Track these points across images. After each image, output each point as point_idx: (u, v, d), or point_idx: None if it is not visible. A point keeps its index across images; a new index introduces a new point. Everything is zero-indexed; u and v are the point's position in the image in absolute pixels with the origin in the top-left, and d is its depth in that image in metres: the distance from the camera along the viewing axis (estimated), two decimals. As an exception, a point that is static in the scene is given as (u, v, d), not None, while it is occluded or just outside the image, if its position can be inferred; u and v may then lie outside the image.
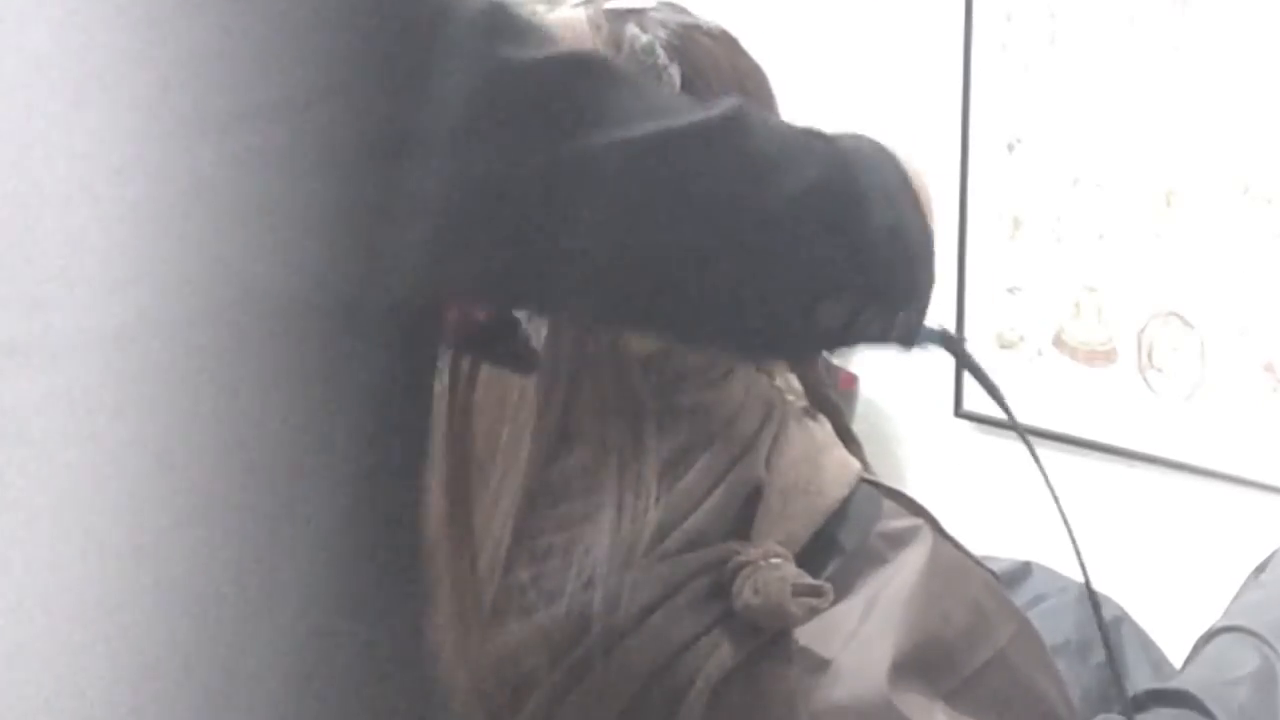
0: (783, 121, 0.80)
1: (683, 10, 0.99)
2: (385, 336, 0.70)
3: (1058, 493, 0.88)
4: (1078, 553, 0.88)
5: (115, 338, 0.63)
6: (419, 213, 0.65)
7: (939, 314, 0.90)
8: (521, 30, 0.69)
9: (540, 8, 0.98)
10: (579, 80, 0.69)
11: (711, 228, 0.74)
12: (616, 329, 0.90)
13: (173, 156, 0.62)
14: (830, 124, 0.83)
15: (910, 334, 0.83)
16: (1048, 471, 0.89)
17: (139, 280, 0.63)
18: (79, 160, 0.62)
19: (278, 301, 0.66)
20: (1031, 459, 0.89)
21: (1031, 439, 0.92)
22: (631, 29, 0.95)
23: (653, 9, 0.98)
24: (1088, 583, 0.90)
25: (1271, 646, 1.12)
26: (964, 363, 0.87)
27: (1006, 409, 0.89)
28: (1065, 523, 0.88)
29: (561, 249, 0.70)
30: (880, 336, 0.81)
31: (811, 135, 0.80)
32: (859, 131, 0.84)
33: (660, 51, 0.94)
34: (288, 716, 0.72)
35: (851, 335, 0.80)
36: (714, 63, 0.96)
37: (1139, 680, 1.28)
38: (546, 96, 0.68)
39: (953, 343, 0.88)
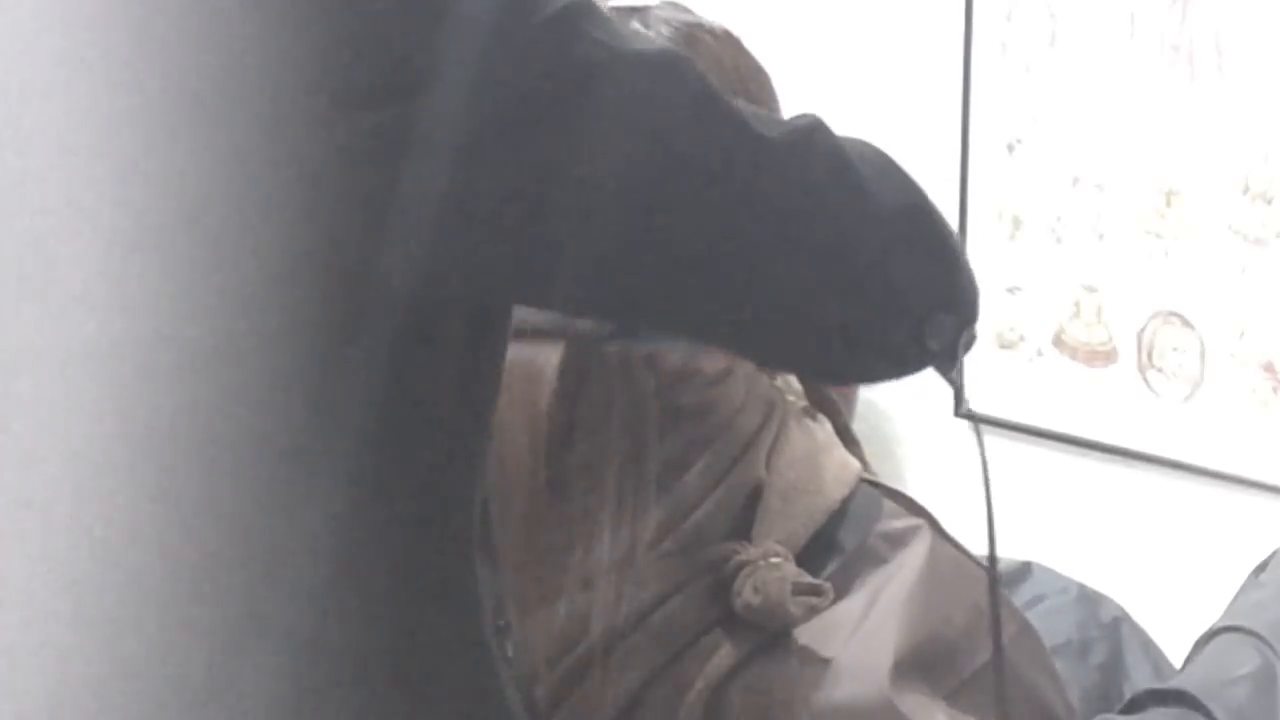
0: (856, 139, 0.77)
1: (686, 9, 0.99)
2: (440, 330, 0.69)
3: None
4: (991, 526, 0.87)
5: (124, 340, 0.63)
6: (493, 202, 0.64)
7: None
8: (607, 19, 0.67)
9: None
10: (675, 75, 0.67)
11: (819, 236, 0.71)
12: (709, 343, 0.86)
13: (185, 155, 0.62)
14: (830, 123, 0.82)
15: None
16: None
17: (146, 284, 0.63)
18: (76, 157, 0.61)
19: (317, 292, 0.66)
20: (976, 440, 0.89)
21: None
22: (635, 26, 0.95)
23: (656, 7, 0.98)
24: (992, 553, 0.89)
25: (1271, 646, 1.12)
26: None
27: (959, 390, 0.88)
28: (987, 494, 0.87)
29: (654, 252, 0.68)
30: (957, 355, 0.79)
31: (881, 153, 0.78)
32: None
33: None
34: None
35: (951, 359, 0.78)
36: (717, 62, 0.96)
37: (1139, 680, 1.28)
38: (633, 88, 0.66)
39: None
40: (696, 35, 0.97)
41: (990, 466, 0.87)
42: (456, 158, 0.63)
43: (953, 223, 2.49)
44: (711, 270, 0.69)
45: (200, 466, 0.65)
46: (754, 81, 0.98)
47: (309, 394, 0.68)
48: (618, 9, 0.96)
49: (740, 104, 0.70)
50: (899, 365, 0.79)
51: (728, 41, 0.98)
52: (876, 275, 0.73)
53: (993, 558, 0.88)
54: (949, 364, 0.78)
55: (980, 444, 0.89)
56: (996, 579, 0.89)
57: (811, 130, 0.72)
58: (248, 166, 0.62)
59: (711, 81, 0.69)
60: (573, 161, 0.64)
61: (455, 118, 0.63)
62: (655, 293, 0.70)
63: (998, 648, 0.89)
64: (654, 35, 0.94)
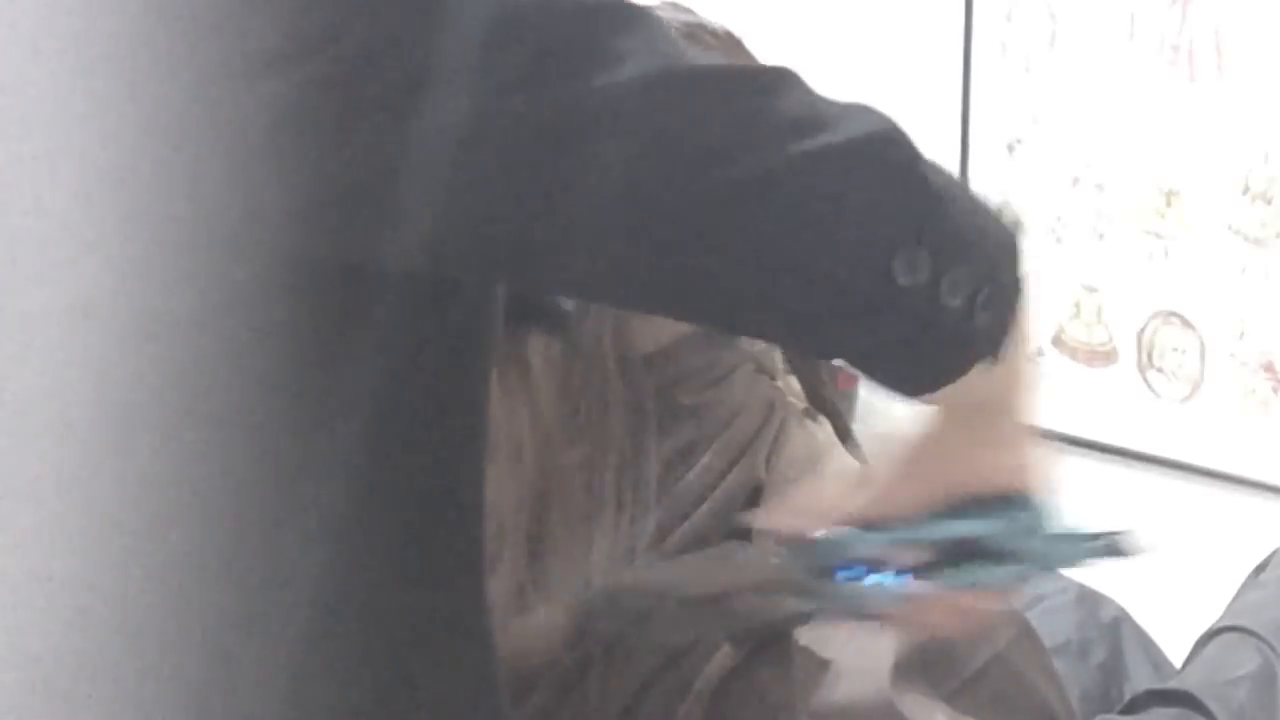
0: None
1: (687, 10, 0.99)
2: (404, 307, 0.69)
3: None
4: None
5: (116, 313, 0.63)
6: (435, 162, 0.63)
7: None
8: None
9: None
10: (632, 23, 0.67)
11: (772, 174, 0.67)
12: (676, 307, 0.79)
13: (165, 116, 0.61)
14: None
15: (1008, 315, 0.71)
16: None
17: (134, 257, 0.62)
18: (62, 127, 0.61)
19: (287, 267, 0.66)
20: None
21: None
22: None
23: (657, 6, 0.98)
24: None
25: (1271, 646, 1.12)
26: None
27: None
28: None
29: (599, 197, 0.66)
30: (975, 312, 0.70)
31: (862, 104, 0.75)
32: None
33: None
34: (286, 714, 0.72)
35: (936, 301, 0.69)
36: None
37: (1139, 680, 1.28)
38: (605, 26, 0.65)
39: None
40: (698, 35, 0.97)
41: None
42: (405, 107, 0.62)
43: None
44: (659, 216, 0.66)
45: (188, 459, 0.65)
46: None
47: (299, 389, 0.68)
48: None
49: (699, 57, 0.69)
50: (874, 312, 0.69)
51: (729, 42, 0.99)
52: (829, 207, 0.67)
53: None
54: (934, 307, 0.68)
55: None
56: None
57: (768, 69, 0.70)
58: (241, 158, 0.62)
59: (662, 25, 0.68)
60: (519, 110, 0.64)
61: (397, 68, 0.62)
62: (631, 267, 0.68)
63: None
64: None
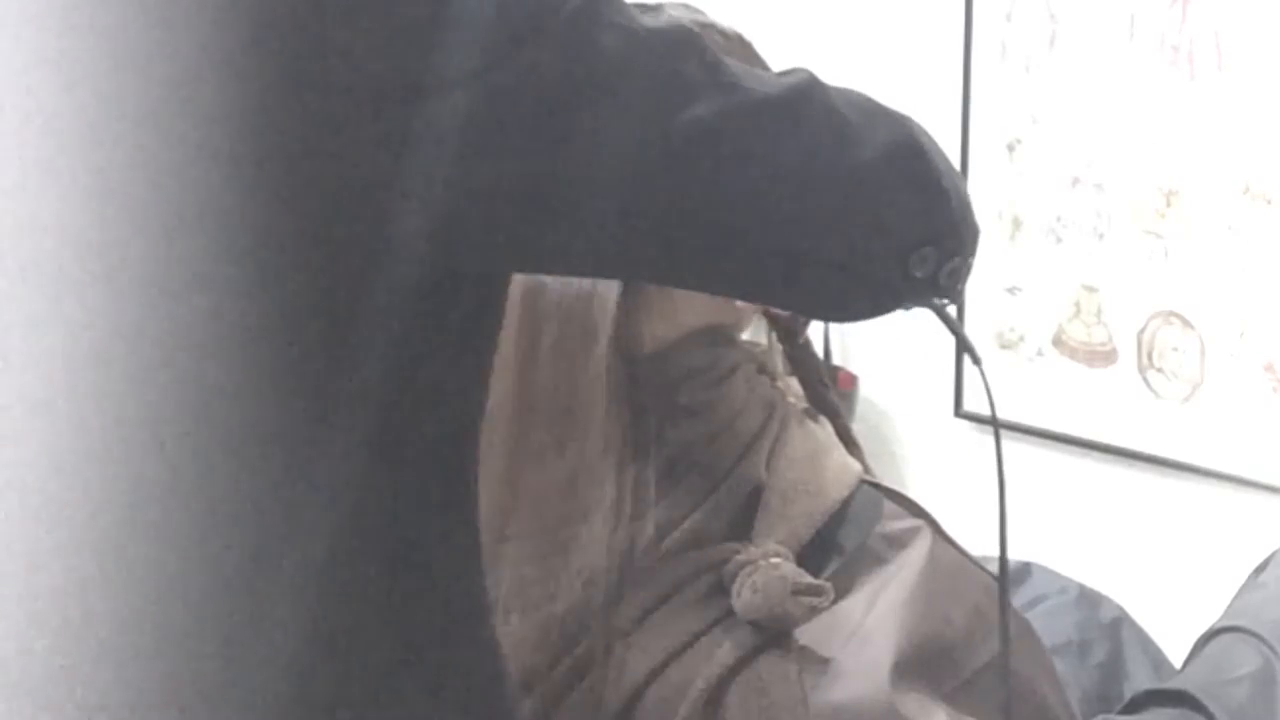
0: (846, 88, 0.83)
1: (698, 10, 1.00)
2: (411, 298, 0.71)
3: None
4: (1003, 532, 0.89)
5: (117, 314, 0.63)
6: (446, 160, 0.67)
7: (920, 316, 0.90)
8: (625, 8, 0.72)
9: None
10: (686, 48, 0.73)
11: (812, 185, 0.77)
12: (718, 290, 0.90)
13: (175, 119, 0.62)
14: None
15: (964, 286, 0.86)
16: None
17: (133, 261, 0.63)
18: (58, 131, 0.61)
19: (295, 257, 0.67)
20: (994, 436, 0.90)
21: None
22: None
23: (670, 5, 0.99)
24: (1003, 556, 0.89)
25: (1271, 646, 1.12)
26: (943, 319, 0.88)
27: (977, 359, 0.90)
28: (1001, 502, 0.89)
29: (676, 211, 0.73)
30: (954, 289, 0.84)
31: (871, 99, 0.84)
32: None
33: None
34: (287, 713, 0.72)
35: (936, 288, 0.82)
36: None
37: (1139, 680, 1.28)
38: (661, 58, 0.71)
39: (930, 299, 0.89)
40: (710, 35, 0.97)
41: (995, 469, 0.88)
42: (487, 146, 0.67)
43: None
44: (712, 220, 0.75)
45: (193, 456, 0.65)
46: None
47: (301, 385, 0.69)
48: (633, 5, 0.97)
49: (737, 66, 0.76)
50: (889, 296, 0.83)
51: (738, 43, 0.99)
52: (864, 215, 0.79)
53: (1004, 561, 0.88)
54: (933, 292, 0.83)
55: (998, 448, 0.89)
56: (1006, 585, 0.89)
57: (804, 85, 0.78)
58: (250, 163, 0.63)
59: (712, 48, 0.75)
60: (600, 134, 0.70)
61: (483, 111, 0.67)
62: (660, 246, 0.75)
63: (1005, 650, 0.89)
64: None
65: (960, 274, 0.84)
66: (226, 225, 0.64)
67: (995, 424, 0.90)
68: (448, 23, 0.66)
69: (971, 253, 0.85)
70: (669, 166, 0.72)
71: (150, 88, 0.62)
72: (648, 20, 0.72)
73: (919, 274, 0.81)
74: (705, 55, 0.74)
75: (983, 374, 0.90)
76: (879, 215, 0.79)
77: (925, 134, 0.84)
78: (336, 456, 0.71)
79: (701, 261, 0.78)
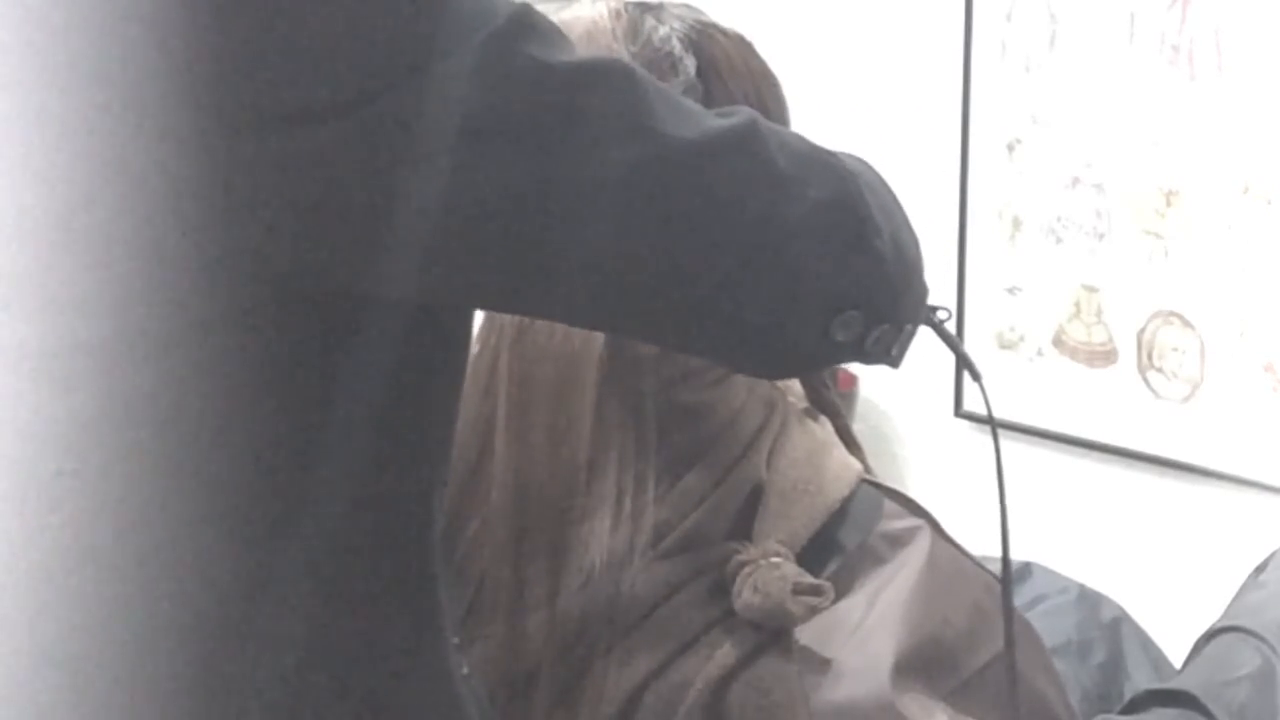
0: (792, 132, 0.79)
1: (698, 10, 1.00)
2: (392, 329, 0.70)
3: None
4: (1004, 532, 0.89)
5: (111, 341, 0.63)
6: (427, 214, 0.65)
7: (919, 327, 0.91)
8: (548, 34, 0.69)
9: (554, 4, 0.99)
10: (601, 86, 0.69)
11: (728, 241, 0.73)
12: (624, 335, 0.90)
13: (191, 157, 0.61)
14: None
15: (904, 350, 0.83)
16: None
17: (122, 283, 0.62)
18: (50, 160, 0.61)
19: (272, 295, 0.66)
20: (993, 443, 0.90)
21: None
22: (650, 20, 0.96)
23: (670, 5, 0.99)
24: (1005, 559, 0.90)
25: (1271, 646, 1.12)
26: (941, 335, 0.87)
27: (975, 373, 0.89)
28: (1001, 501, 0.89)
29: (570, 259, 0.70)
30: (886, 355, 0.81)
31: (820, 148, 0.79)
32: (844, 148, 0.84)
33: (676, 43, 0.95)
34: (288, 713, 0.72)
35: (863, 353, 0.79)
36: (728, 60, 0.97)
37: (1139, 680, 1.28)
38: (568, 101, 0.68)
39: (927, 313, 0.88)
40: (711, 34, 0.97)
41: (996, 470, 0.88)
42: (392, 172, 0.64)
43: (952, 223, 2.50)
44: (606, 271, 0.71)
45: (176, 477, 0.65)
46: (764, 83, 0.98)
47: (285, 407, 0.69)
48: (632, 4, 0.97)
49: (666, 101, 0.72)
50: (808, 360, 0.82)
51: (740, 43, 0.99)
52: (781, 275, 0.75)
53: (1006, 562, 0.88)
54: (859, 357, 0.80)
55: (997, 449, 0.89)
56: (1009, 586, 0.89)
57: (736, 132, 0.73)
58: (179, 179, 0.62)
59: (638, 85, 0.70)
60: (489, 177, 0.66)
61: (395, 134, 0.64)
62: (564, 291, 0.72)
63: (1010, 651, 0.89)
64: (658, 35, 0.95)
65: (891, 340, 0.80)
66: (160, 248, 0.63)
67: (995, 437, 0.90)
68: (344, 45, 0.63)
69: (910, 318, 0.82)
70: (561, 214, 0.68)
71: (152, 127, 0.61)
72: (570, 54, 0.69)
73: (841, 338, 0.77)
74: (630, 94, 0.70)
75: (983, 389, 0.90)
76: (797, 276, 0.75)
77: (873, 189, 0.80)
78: (319, 498, 0.70)
79: (597, 312, 0.75)
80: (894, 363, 0.82)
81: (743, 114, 0.75)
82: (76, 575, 0.64)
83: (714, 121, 0.73)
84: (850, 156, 0.83)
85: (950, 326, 0.88)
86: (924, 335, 0.87)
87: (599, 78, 0.69)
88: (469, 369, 0.95)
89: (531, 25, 0.68)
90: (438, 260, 0.67)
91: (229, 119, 0.62)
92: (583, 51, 0.71)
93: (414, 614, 0.79)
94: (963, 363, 0.91)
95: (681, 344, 0.84)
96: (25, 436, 0.62)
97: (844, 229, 0.76)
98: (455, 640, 0.83)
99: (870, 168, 0.84)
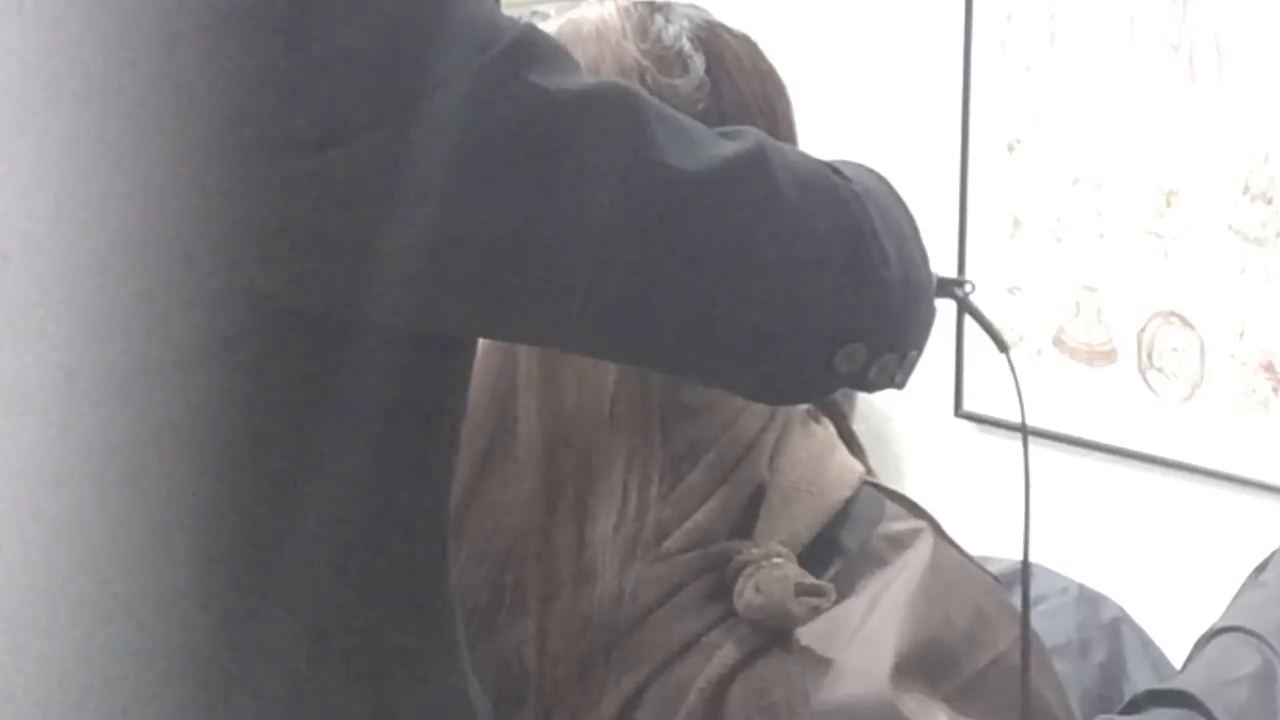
0: (799, 153, 0.78)
1: (704, 11, 1.00)
2: (387, 349, 0.70)
3: (1032, 482, 0.88)
4: (1026, 536, 0.89)
5: (90, 367, 0.63)
6: (424, 243, 0.64)
7: (938, 310, 0.91)
8: (550, 57, 0.67)
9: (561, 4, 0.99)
10: (603, 116, 0.67)
11: (731, 276, 0.72)
12: (623, 363, 0.89)
13: (184, 184, 0.61)
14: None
15: (908, 376, 0.83)
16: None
17: (107, 313, 0.62)
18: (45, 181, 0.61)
19: (268, 314, 0.66)
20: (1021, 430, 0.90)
21: (1032, 439, 0.92)
22: (659, 19, 0.96)
23: (678, 5, 0.99)
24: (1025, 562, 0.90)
25: (1271, 646, 1.12)
26: (967, 309, 0.87)
27: (1004, 347, 0.89)
28: (1026, 506, 0.89)
29: (570, 291, 0.69)
30: (889, 382, 0.81)
31: (827, 172, 0.78)
32: (859, 161, 0.83)
33: (686, 41, 0.95)
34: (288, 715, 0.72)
35: (866, 382, 0.79)
36: (736, 59, 0.97)
37: (1139, 680, 1.28)
38: (568, 132, 0.66)
39: (953, 289, 0.88)
40: (718, 34, 0.98)
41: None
42: (389, 200, 0.63)
43: (952, 223, 2.51)
44: (616, 302, 0.70)
45: (161, 506, 0.65)
46: (770, 84, 0.98)
47: (280, 432, 0.68)
48: (641, 3, 0.97)
49: (669, 127, 0.70)
50: (812, 390, 0.81)
51: (746, 44, 0.99)
52: (786, 310, 0.74)
53: (1026, 564, 0.88)
54: (862, 387, 0.80)
55: (1025, 456, 0.90)
56: (1028, 590, 0.89)
57: (744, 160, 0.72)
58: (175, 207, 0.62)
59: (640, 113, 0.69)
60: (496, 199, 0.65)
61: (392, 162, 0.63)
62: (565, 321, 0.71)
63: (1025, 659, 0.89)
64: (672, 34, 0.95)
65: (893, 369, 0.80)
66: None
67: (1023, 414, 0.90)
68: (342, 72, 0.62)
69: (915, 346, 0.81)
70: (561, 245, 0.67)
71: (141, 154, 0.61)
72: (573, 80, 0.67)
73: (844, 370, 0.77)
74: (632, 123, 0.68)
75: (1010, 362, 0.89)
76: (800, 311, 0.74)
77: (883, 208, 0.78)
78: (320, 519, 0.69)
79: (598, 342, 0.75)
80: (899, 386, 0.82)
81: (749, 137, 0.74)
82: (62, 618, 0.64)
83: (719, 149, 0.72)
84: (860, 168, 0.81)
85: (964, 297, 0.87)
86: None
87: (601, 106, 0.67)
88: (482, 359, 0.95)
89: (534, 47, 0.66)
90: (434, 290, 0.67)
91: (226, 146, 0.61)
92: (591, 54, 0.70)
93: (425, 628, 0.79)
94: (989, 334, 0.90)
95: (680, 373, 0.84)
96: (20, 471, 0.62)
97: (849, 263, 0.75)
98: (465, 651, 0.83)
99: (881, 179, 0.82)
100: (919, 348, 0.82)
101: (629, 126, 0.68)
